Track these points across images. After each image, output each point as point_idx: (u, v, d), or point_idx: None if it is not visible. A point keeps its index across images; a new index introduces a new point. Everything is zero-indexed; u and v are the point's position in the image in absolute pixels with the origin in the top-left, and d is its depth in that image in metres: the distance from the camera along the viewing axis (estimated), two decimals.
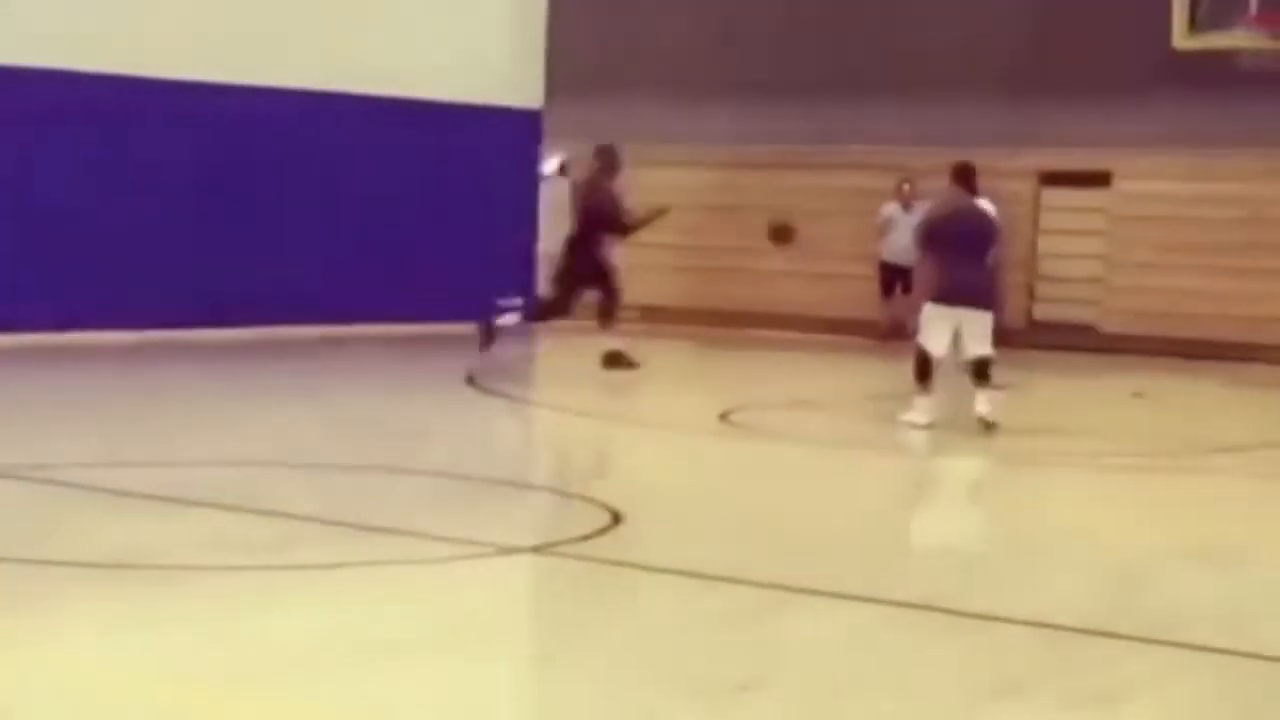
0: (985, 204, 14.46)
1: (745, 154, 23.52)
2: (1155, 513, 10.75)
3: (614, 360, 16.85)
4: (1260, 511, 10.92)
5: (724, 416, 14.08)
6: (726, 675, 6.26)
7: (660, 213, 17.36)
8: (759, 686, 6.11)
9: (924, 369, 13.62)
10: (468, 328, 17.92)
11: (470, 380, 16.03)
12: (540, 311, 17.76)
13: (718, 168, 23.74)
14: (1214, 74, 19.57)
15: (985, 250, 13.76)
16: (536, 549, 8.75)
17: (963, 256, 13.52)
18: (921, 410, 13.64)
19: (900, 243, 22.18)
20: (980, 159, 21.62)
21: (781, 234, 16.82)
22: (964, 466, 13.01)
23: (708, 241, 23.67)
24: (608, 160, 17.16)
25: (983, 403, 13.53)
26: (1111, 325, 21.56)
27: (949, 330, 13.54)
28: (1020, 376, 17.78)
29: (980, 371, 13.59)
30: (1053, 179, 22.10)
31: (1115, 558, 9.05)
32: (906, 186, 22.21)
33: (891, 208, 22.30)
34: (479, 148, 21.10)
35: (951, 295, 13.50)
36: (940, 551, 9.42)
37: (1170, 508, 11.02)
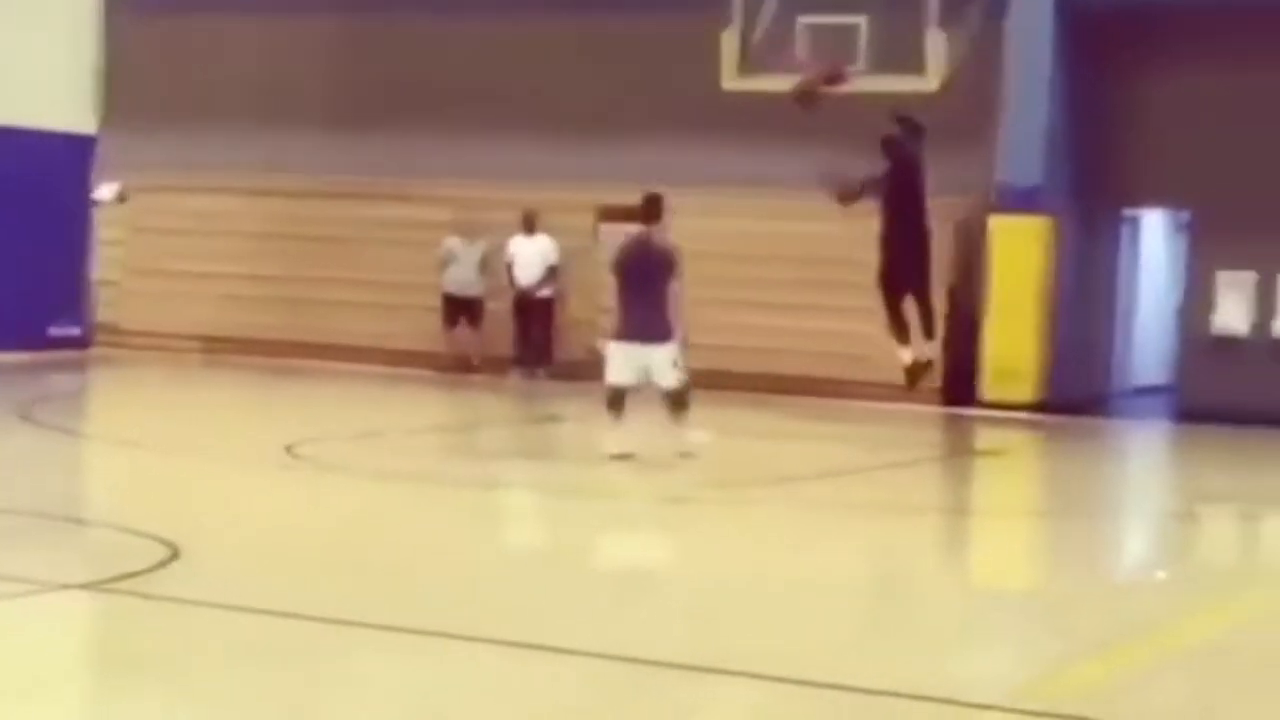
0: (663, 237, 14.32)
1: (308, 183, 23.33)
2: (717, 545, 11.03)
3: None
4: (811, 542, 11.32)
5: (289, 449, 13.94)
6: (282, 713, 6.21)
7: None
8: None
9: (611, 401, 13.87)
10: (19, 357, 17.32)
11: (22, 412, 15.50)
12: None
13: (280, 197, 23.50)
14: (764, 115, 20.23)
15: (657, 283, 13.81)
16: (88, 585, 8.52)
17: (634, 291, 13.80)
18: (614, 441, 13.82)
19: (462, 275, 22.33)
20: (540, 194, 22.23)
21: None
22: (525, 499, 13.16)
23: (270, 271, 23.40)
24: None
25: (674, 435, 13.80)
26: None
27: (628, 363, 13.79)
28: (585, 409, 18.02)
29: (672, 402, 13.85)
30: (610, 214, 22.50)
31: (683, 590, 9.28)
32: (466, 219, 22.34)
33: (452, 240, 22.40)
34: (27, 173, 20.40)
35: (624, 332, 13.85)
36: (503, 583, 9.51)
37: (730, 539, 11.33)
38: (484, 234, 22.29)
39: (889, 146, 17.21)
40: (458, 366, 22.03)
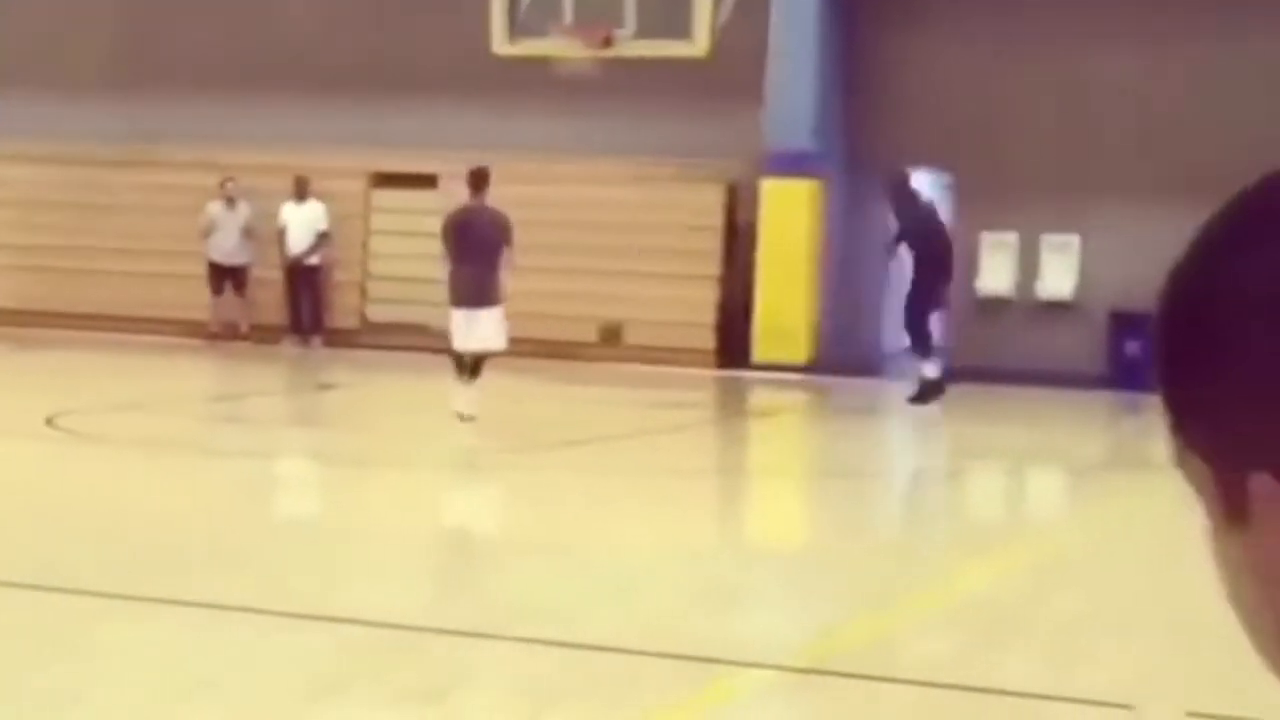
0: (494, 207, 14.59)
1: (65, 150, 22.77)
2: (496, 511, 10.99)
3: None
4: (590, 505, 11.32)
5: (50, 420, 13.59)
6: (44, 687, 6.05)
7: None
8: (75, 700, 5.93)
9: (457, 363, 14.18)
10: None
11: None
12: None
13: (37, 163, 22.91)
14: (534, 80, 20.18)
15: (489, 251, 14.10)
16: None
17: (465, 258, 14.10)
18: (464, 402, 14.01)
19: (227, 243, 21.95)
20: (309, 160, 21.92)
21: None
22: (294, 468, 12.98)
23: (26, 240, 22.81)
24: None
25: (462, 399, 13.94)
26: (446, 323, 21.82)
27: (469, 328, 14.05)
28: (357, 377, 17.87)
29: (474, 367, 14.12)
30: (383, 180, 22.31)
31: (450, 554, 9.22)
32: (230, 185, 21.96)
33: (215, 207, 22.00)
34: None
35: (455, 296, 14.16)
36: (265, 552, 9.36)
37: (512, 502, 11.29)
38: (246, 199, 21.94)
39: (899, 206, 17.45)
40: (225, 334, 21.68)
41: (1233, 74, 19.41)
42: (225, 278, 21.88)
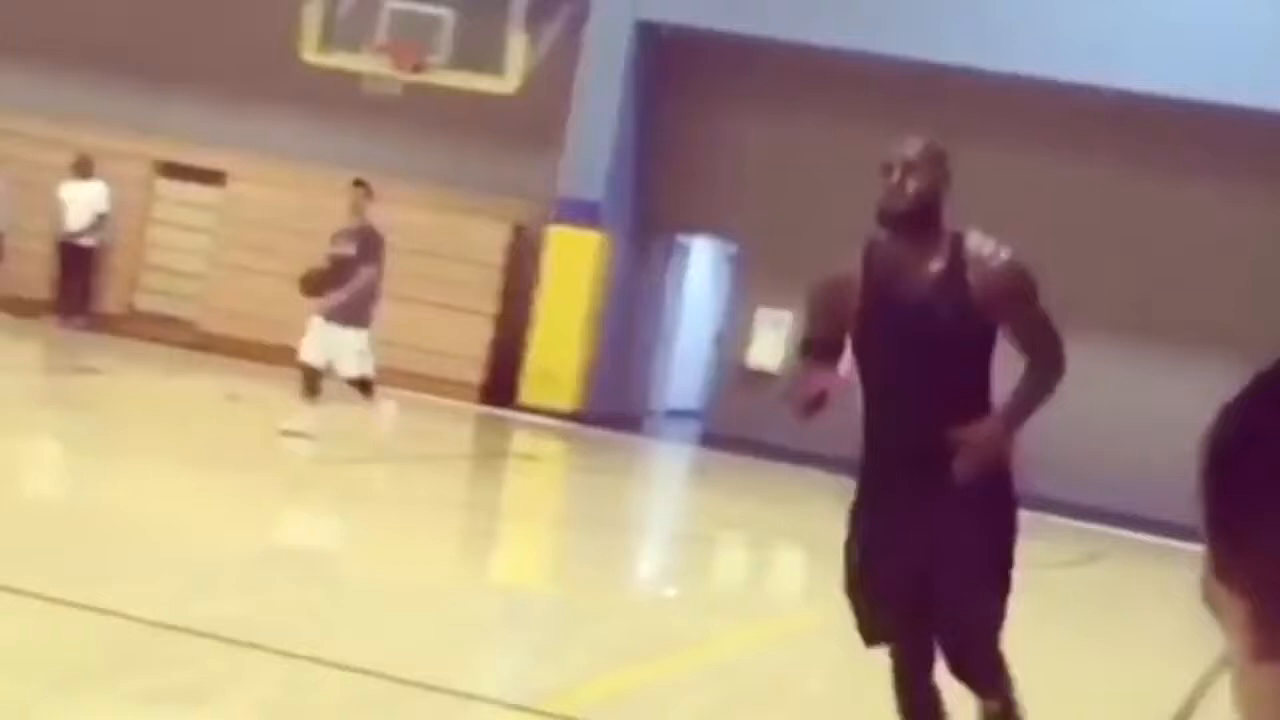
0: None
1: None
2: (242, 512, 10.87)
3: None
4: (342, 534, 11.26)
5: None
6: None
7: None
8: None
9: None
10: None
11: None
12: None
13: None
14: (341, 93, 20.08)
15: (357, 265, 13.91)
16: None
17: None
18: (298, 418, 13.76)
19: None
20: (98, 140, 21.49)
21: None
22: (42, 450, 12.72)
23: None
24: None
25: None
26: (210, 323, 21.57)
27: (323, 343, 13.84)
28: (120, 363, 17.54)
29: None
30: (169, 171, 21.98)
31: (197, 556, 9.10)
32: None
33: None
34: None
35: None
36: (26, 534, 9.16)
37: (256, 509, 11.17)
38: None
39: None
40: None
41: (1034, 175, 19.91)
42: None
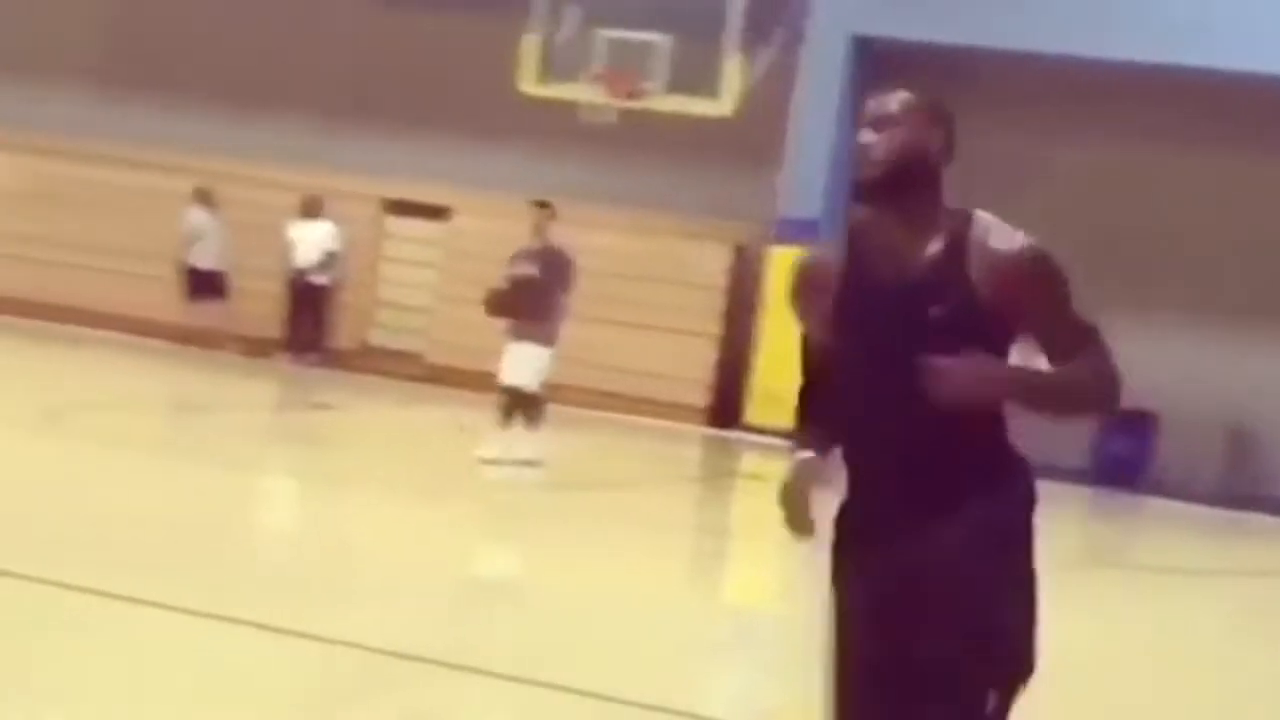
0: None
1: (55, 146, 22.75)
2: (474, 541, 10.99)
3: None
4: (582, 553, 11.33)
5: (50, 414, 13.60)
6: (40, 685, 6.08)
7: None
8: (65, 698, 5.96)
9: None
10: None
11: None
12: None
13: (29, 154, 22.89)
14: (558, 123, 20.27)
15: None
16: None
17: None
18: (493, 444, 13.92)
19: (211, 249, 21.76)
20: (322, 181, 21.92)
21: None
22: (277, 485, 12.99)
23: (16, 229, 22.77)
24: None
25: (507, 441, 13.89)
26: (437, 355, 21.89)
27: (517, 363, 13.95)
28: (354, 398, 17.85)
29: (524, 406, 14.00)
30: (397, 208, 22.37)
31: (431, 584, 9.22)
32: (206, 193, 21.84)
33: (198, 214, 21.82)
34: None
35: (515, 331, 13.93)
36: (262, 567, 9.38)
37: (488, 536, 11.28)
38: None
39: None
40: (202, 341, 21.45)
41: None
42: (206, 284, 21.73)
